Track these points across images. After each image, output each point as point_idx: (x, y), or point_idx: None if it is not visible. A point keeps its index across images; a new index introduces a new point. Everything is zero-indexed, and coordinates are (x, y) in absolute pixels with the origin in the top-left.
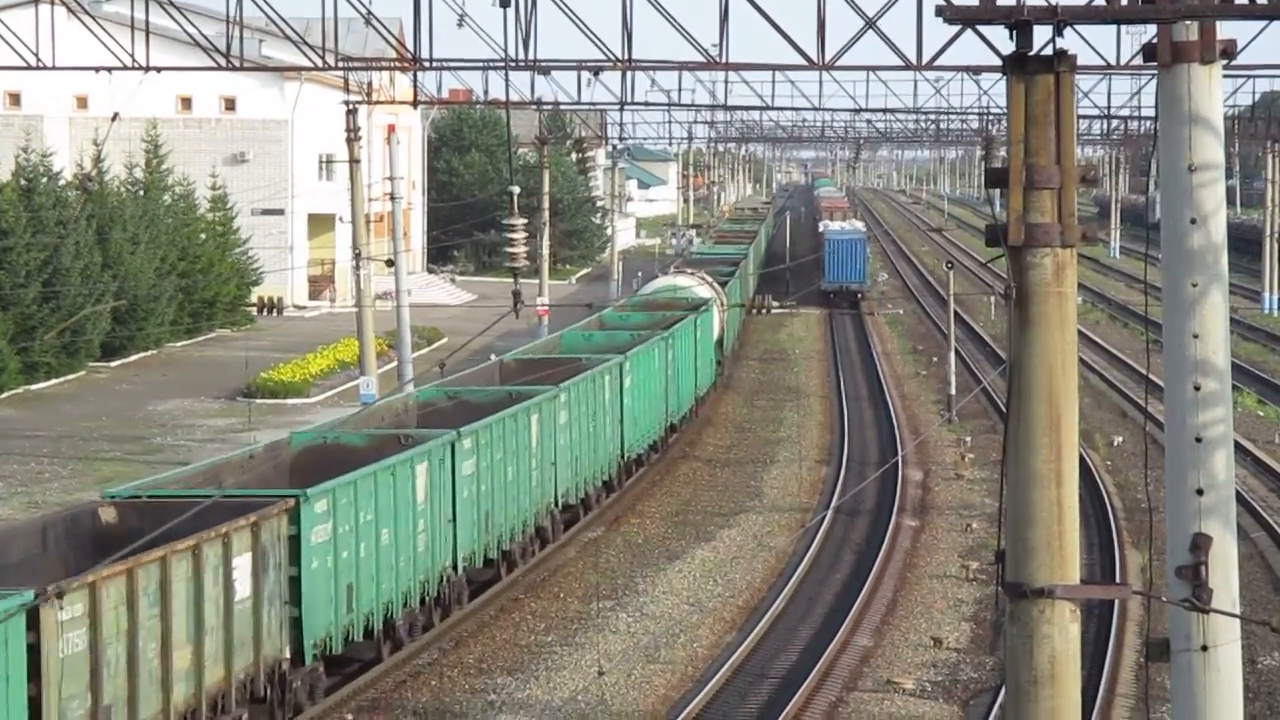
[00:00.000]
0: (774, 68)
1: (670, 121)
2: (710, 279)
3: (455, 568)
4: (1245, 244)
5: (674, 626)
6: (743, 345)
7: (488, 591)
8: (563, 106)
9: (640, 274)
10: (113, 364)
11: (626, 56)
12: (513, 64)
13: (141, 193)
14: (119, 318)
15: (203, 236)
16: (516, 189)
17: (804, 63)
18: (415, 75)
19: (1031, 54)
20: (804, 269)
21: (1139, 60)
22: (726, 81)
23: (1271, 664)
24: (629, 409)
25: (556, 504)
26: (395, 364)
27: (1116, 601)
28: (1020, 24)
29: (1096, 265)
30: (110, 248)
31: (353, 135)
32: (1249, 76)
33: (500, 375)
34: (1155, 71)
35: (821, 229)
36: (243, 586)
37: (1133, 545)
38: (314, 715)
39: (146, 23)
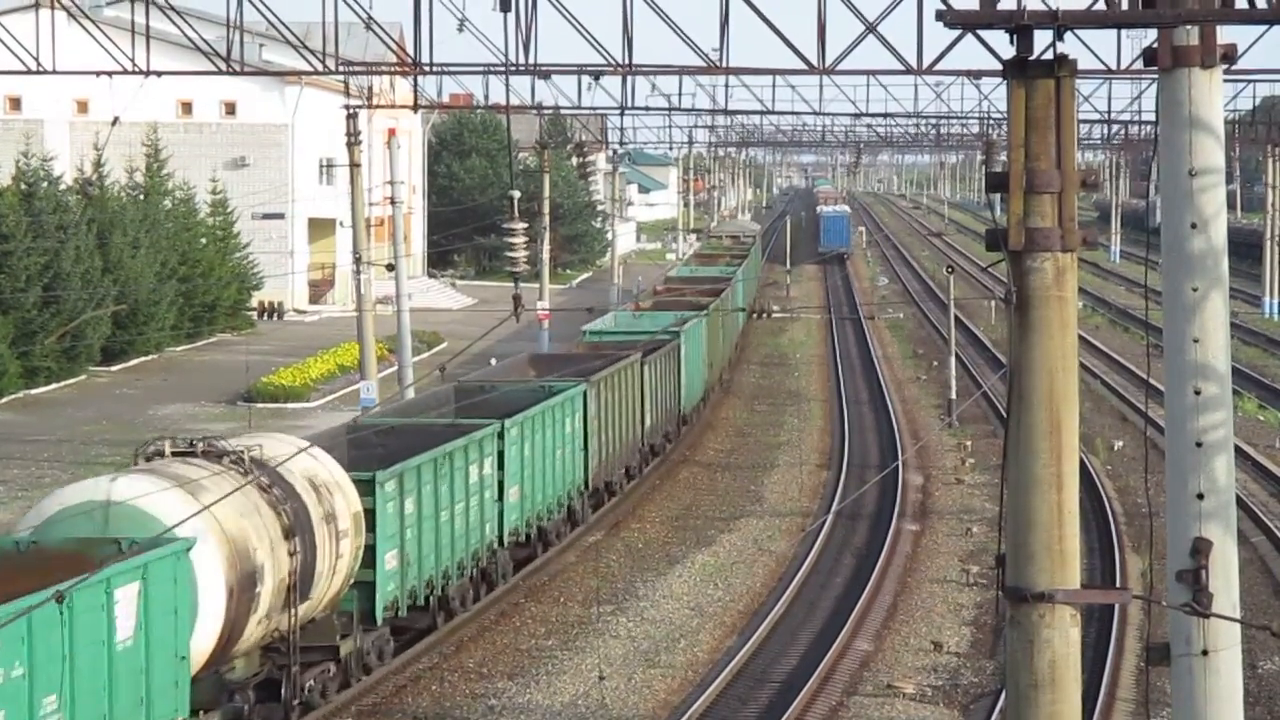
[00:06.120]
0: (774, 72)
1: (670, 126)
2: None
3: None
4: (1245, 248)
5: (674, 631)
6: (742, 350)
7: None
8: (563, 111)
9: (640, 278)
10: (113, 368)
11: (627, 61)
12: (513, 68)
13: (142, 197)
14: (119, 322)
15: (203, 241)
16: (517, 193)
17: (804, 67)
18: (415, 80)
19: (1032, 58)
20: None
21: (1139, 64)
22: (727, 86)
23: (1272, 669)
24: None
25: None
26: (395, 368)
27: (1117, 606)
28: (1021, 28)
29: (1097, 270)
30: (111, 252)
31: (353, 140)
32: (1249, 81)
33: None
34: (1156, 76)
35: (819, 210)
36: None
37: (1133, 550)
38: (319, 718)
39: (147, 27)
